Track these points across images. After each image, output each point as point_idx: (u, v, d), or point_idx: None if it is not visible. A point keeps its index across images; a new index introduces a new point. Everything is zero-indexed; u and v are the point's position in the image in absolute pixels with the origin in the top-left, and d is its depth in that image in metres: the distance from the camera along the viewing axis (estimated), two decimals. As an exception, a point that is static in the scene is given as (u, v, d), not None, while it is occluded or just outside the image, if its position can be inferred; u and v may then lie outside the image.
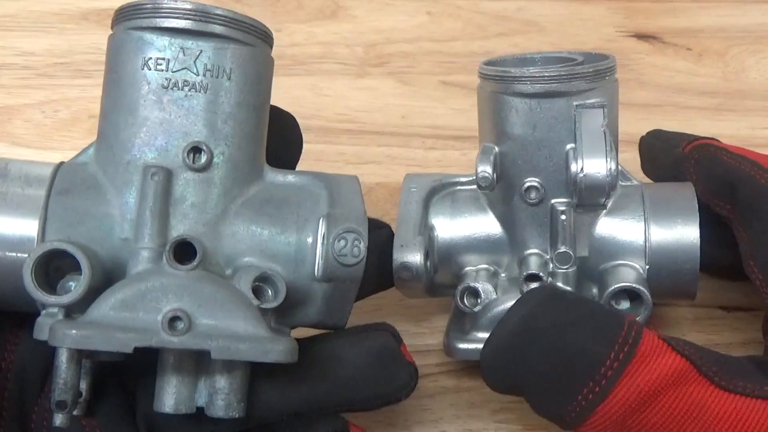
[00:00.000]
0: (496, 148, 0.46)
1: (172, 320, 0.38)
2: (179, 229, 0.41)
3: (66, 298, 0.39)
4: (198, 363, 0.40)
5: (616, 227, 0.47)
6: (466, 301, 0.47)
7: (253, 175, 0.44)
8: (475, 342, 0.46)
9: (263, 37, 0.44)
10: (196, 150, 0.42)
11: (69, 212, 0.41)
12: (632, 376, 0.39)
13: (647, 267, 0.46)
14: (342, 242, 0.41)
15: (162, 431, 0.43)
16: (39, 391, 0.43)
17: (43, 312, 0.40)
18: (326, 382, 0.42)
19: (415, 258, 0.46)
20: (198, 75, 0.42)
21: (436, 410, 0.51)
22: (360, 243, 0.42)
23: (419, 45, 0.67)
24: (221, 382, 0.40)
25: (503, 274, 0.48)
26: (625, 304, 0.45)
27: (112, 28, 0.44)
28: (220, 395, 0.40)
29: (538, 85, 0.44)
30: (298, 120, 0.63)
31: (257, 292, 0.41)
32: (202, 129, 0.42)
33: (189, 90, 0.42)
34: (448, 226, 0.49)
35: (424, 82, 0.66)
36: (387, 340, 0.44)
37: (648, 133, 0.54)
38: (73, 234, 0.41)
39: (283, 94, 0.64)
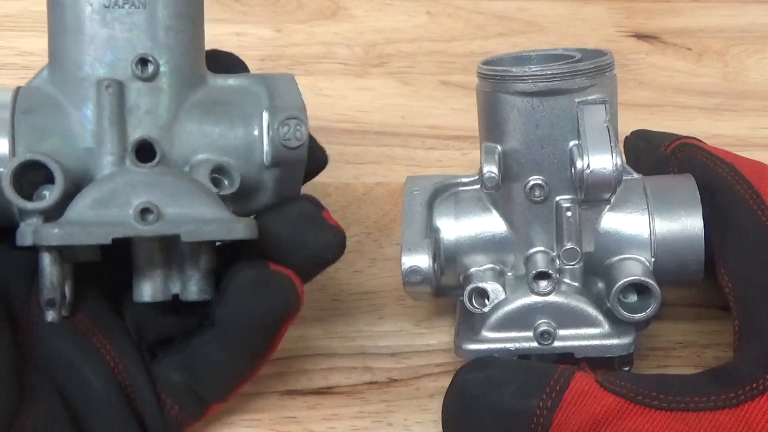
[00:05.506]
0: (499, 148, 0.46)
1: (143, 212, 0.42)
2: (137, 134, 0.44)
3: (44, 203, 0.43)
4: (168, 255, 0.44)
5: (620, 221, 0.47)
6: (474, 302, 0.47)
7: (197, 81, 0.47)
8: (486, 342, 0.46)
9: None
10: (143, 62, 0.45)
11: (34, 129, 0.44)
12: (561, 422, 0.42)
13: (653, 259, 0.46)
14: (285, 128, 0.45)
15: (144, 320, 0.47)
16: (26, 299, 0.46)
17: (23, 223, 0.43)
18: (251, 251, 0.45)
19: (424, 261, 0.46)
20: None
21: (436, 410, 0.51)
22: (301, 127, 0.46)
23: (419, 45, 0.67)
24: (191, 269, 0.44)
25: (509, 273, 0.48)
26: (632, 298, 0.46)
27: None
28: (192, 281, 0.44)
29: (540, 84, 0.45)
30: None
31: (215, 182, 0.45)
32: (146, 42, 0.45)
33: (129, 7, 0.45)
34: (453, 227, 0.49)
35: (424, 82, 0.66)
36: (305, 206, 0.47)
37: (632, 133, 0.54)
38: (40, 148, 0.44)
39: (283, 94, 0.64)
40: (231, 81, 0.48)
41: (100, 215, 0.42)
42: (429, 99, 0.65)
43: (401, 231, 0.48)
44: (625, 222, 0.47)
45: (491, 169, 0.46)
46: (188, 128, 0.46)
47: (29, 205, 0.43)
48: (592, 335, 0.46)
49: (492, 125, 0.47)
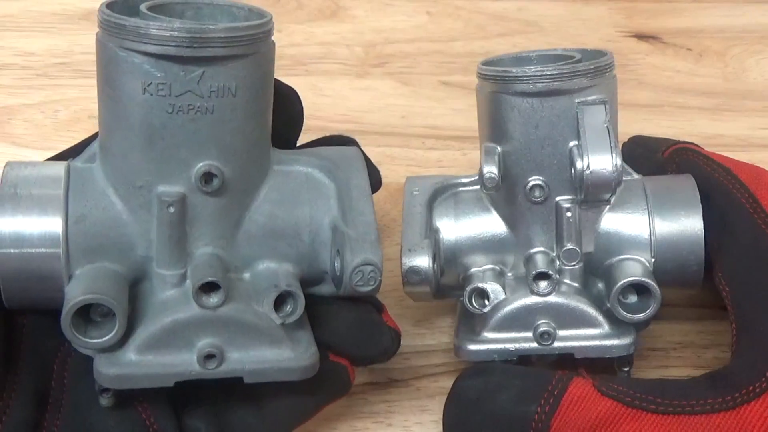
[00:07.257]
0: (499, 148, 0.46)
1: (207, 357, 0.41)
2: (198, 245, 0.42)
3: (104, 342, 0.40)
4: None
5: (620, 222, 0.47)
6: (474, 302, 0.47)
7: (262, 173, 0.44)
8: (486, 343, 0.47)
9: (264, 35, 0.41)
10: (208, 176, 0.41)
11: (89, 239, 0.42)
12: (559, 427, 0.42)
13: (653, 260, 0.47)
14: (359, 275, 0.42)
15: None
16: (58, 344, 0.44)
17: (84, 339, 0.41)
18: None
19: (424, 261, 0.46)
20: (202, 97, 0.39)
21: (436, 410, 0.51)
22: (376, 273, 0.43)
23: (419, 45, 0.67)
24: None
25: (509, 274, 0.48)
26: (632, 298, 0.46)
27: (99, 26, 0.41)
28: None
29: (540, 84, 0.45)
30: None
31: (279, 302, 0.42)
32: (211, 150, 0.41)
33: (195, 113, 0.40)
34: (453, 228, 0.49)
35: (424, 83, 0.66)
36: (368, 310, 0.46)
37: (630, 140, 0.54)
38: (96, 258, 0.42)
39: (284, 94, 0.64)
40: (297, 167, 0.44)
41: (163, 358, 0.41)
42: (429, 99, 0.65)
43: (401, 231, 0.48)
44: (625, 222, 0.47)
45: (491, 170, 0.46)
46: (251, 235, 0.43)
47: (89, 345, 0.40)
48: (592, 336, 0.46)
49: (492, 126, 0.47)
